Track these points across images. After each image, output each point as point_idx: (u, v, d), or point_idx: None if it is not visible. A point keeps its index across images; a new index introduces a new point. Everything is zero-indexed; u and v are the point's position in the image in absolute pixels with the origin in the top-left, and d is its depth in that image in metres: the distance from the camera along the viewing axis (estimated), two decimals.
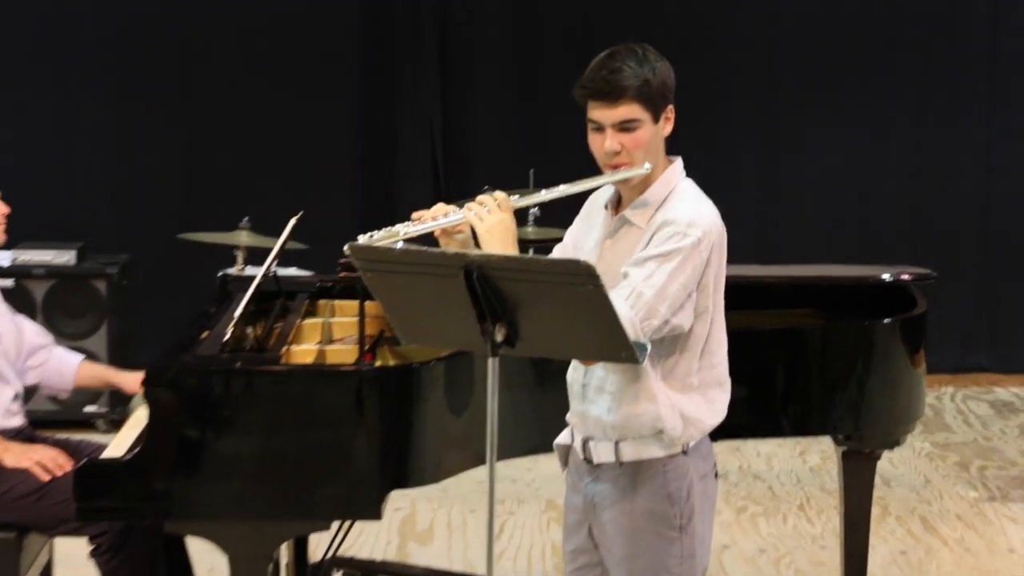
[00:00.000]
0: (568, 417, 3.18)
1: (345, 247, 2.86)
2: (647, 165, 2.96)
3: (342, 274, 4.15)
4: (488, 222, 2.96)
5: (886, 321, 4.35)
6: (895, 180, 8.00)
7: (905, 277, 4.67)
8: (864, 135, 7.97)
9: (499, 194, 3.01)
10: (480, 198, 3.00)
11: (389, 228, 3.01)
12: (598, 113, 2.96)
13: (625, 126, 2.95)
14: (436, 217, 3.02)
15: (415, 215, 3.05)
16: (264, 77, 7.77)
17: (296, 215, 4.21)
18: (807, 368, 4.27)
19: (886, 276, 4.68)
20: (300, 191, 7.44)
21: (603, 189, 3.11)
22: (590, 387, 3.07)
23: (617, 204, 3.08)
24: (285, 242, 4.14)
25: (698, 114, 6.87)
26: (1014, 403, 7.67)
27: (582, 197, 3.15)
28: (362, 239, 2.99)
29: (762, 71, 7.97)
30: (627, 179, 2.99)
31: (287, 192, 7.42)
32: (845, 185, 8.00)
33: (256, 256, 5.09)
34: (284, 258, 4.37)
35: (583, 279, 2.66)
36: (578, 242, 3.17)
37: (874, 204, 8.01)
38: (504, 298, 2.74)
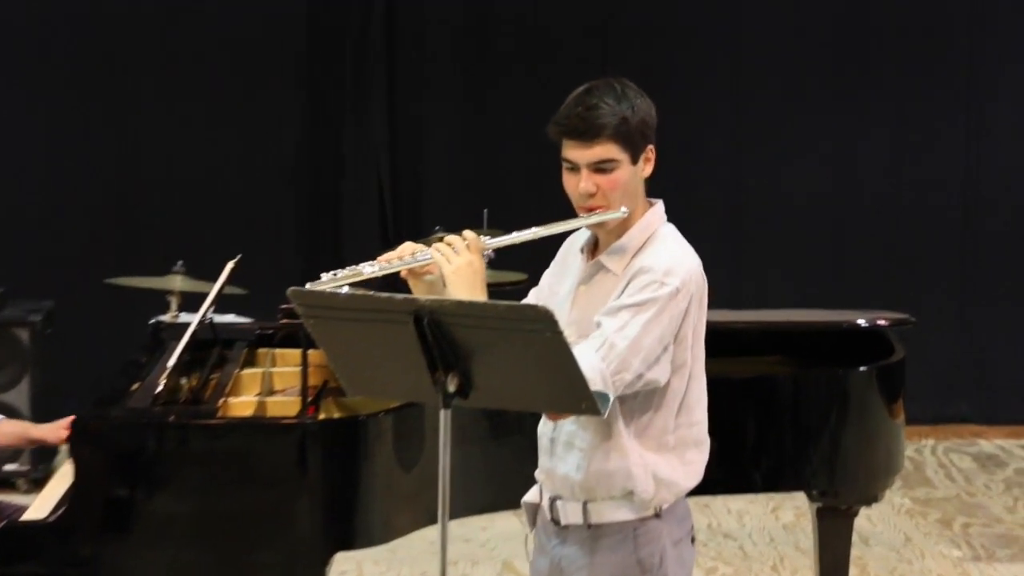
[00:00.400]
0: (536, 474, 3.16)
1: (288, 291, 2.85)
2: (624, 209, 2.95)
3: (283, 321, 4.13)
4: (455, 264, 2.96)
5: (862, 369, 4.38)
6: (870, 218, 8.06)
7: (882, 322, 4.71)
8: (837, 161, 8.03)
9: (469, 234, 3.01)
10: (449, 238, 2.99)
11: (353, 267, 2.99)
12: (573, 152, 2.95)
13: (601, 167, 2.94)
14: (403, 257, 3.02)
15: (381, 258, 3.04)
16: (200, 112, 7.73)
17: (234, 258, 4.20)
18: (779, 419, 4.28)
19: (861, 321, 4.71)
20: (238, 233, 7.41)
21: (580, 232, 3.11)
22: (558, 442, 3.05)
23: (594, 248, 3.08)
24: (222, 287, 4.13)
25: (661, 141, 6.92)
26: (999, 456, 7.70)
27: (546, 239, 3.14)
28: (325, 277, 2.97)
29: (728, 85, 8.00)
30: (602, 223, 2.98)
31: (224, 234, 7.38)
32: (818, 219, 8.05)
33: (191, 302, 5.07)
34: (221, 304, 4.36)
35: (541, 326, 2.65)
36: (554, 286, 3.17)
37: (848, 241, 8.07)
38: (457, 346, 2.73)
